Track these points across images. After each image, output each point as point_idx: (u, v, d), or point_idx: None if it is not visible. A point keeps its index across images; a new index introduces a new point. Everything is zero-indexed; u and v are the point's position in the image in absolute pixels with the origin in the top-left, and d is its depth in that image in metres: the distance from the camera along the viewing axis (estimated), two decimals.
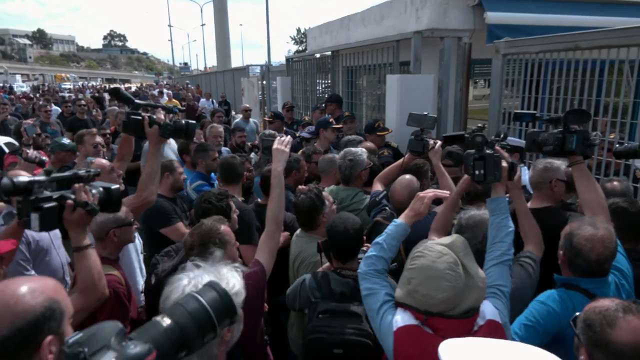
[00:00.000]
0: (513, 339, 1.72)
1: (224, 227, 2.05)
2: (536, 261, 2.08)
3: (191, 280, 1.33)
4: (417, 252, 1.58)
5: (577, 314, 1.40)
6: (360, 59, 6.05)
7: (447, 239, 1.63)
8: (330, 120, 4.92)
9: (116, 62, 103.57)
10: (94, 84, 53.56)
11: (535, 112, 2.42)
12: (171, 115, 2.90)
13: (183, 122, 2.52)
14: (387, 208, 2.78)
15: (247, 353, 1.93)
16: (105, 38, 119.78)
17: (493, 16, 4.91)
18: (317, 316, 1.98)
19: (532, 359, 0.99)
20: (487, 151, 1.91)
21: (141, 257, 2.98)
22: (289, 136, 2.44)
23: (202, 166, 4.03)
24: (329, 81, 7.40)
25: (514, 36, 4.72)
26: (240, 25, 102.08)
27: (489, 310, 1.60)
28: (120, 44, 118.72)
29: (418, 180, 2.76)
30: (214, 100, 15.28)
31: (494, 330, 1.55)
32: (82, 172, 1.82)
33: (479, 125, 2.15)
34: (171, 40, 64.36)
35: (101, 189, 1.86)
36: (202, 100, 14.79)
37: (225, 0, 23.43)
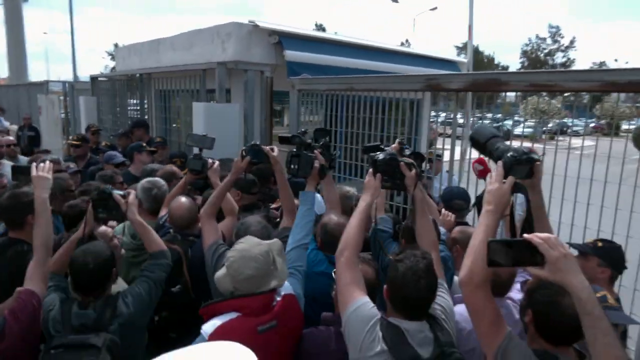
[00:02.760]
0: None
1: None
2: None
3: None
4: (240, 240, 1.99)
5: None
6: (171, 83, 5.96)
7: (271, 240, 2.02)
8: (143, 144, 4.73)
9: None
10: None
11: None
12: None
13: None
14: (170, 231, 2.81)
15: None
16: None
17: (291, 54, 5.42)
18: (49, 352, 1.80)
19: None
20: (303, 151, 2.37)
21: None
22: (47, 162, 2.29)
23: None
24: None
25: (312, 73, 5.28)
26: (45, 33, 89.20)
27: (285, 286, 2.01)
28: None
29: None
30: (3, 119, 12.90)
31: (289, 301, 1.99)
32: None
33: (302, 130, 2.56)
34: None
35: None
36: None
37: (20, 3, 20.28)
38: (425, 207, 2.08)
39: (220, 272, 1.94)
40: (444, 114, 4.09)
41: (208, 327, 1.83)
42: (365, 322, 1.68)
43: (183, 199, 2.82)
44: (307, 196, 2.39)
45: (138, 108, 7.13)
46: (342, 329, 1.76)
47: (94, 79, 8.25)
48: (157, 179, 3.40)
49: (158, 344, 2.57)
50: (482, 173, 2.86)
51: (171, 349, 1.98)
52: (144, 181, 3.35)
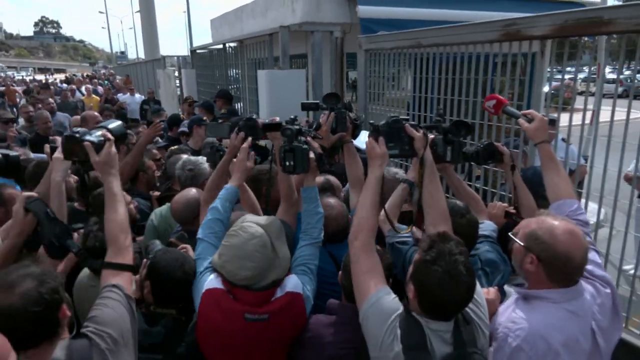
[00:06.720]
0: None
1: None
2: None
3: None
4: (232, 230, 1.76)
5: None
6: (256, 52, 5.85)
7: (266, 220, 1.80)
8: (204, 117, 4.77)
9: (50, 51, 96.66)
10: (25, 74, 49.79)
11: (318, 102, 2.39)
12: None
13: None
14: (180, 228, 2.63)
15: None
16: (36, 24, 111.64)
17: (364, 10, 4.87)
18: None
19: None
20: (296, 143, 2.00)
21: None
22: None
23: None
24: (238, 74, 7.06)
25: (389, 30, 4.70)
26: (184, 12, 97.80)
27: (292, 283, 1.81)
28: (53, 31, 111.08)
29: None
30: (137, 94, 14.39)
31: (291, 300, 1.78)
32: None
33: (292, 117, 2.16)
34: (108, 28, 61.15)
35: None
36: (122, 95, 13.73)
37: None
38: (435, 171, 1.83)
39: (216, 261, 1.77)
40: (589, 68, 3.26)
41: (209, 283, 1.77)
42: (385, 318, 1.50)
43: (192, 190, 2.58)
44: (310, 192, 2.05)
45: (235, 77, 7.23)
46: (360, 321, 1.58)
47: (193, 51, 8.64)
48: (199, 158, 3.28)
49: None
50: (498, 107, 2.08)
51: None
52: (184, 158, 3.26)
